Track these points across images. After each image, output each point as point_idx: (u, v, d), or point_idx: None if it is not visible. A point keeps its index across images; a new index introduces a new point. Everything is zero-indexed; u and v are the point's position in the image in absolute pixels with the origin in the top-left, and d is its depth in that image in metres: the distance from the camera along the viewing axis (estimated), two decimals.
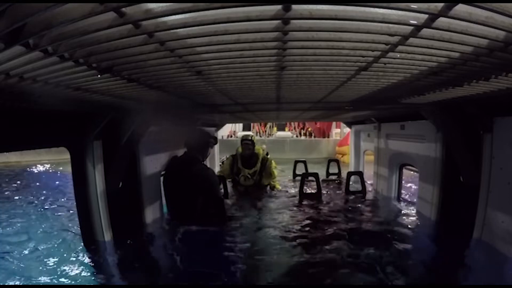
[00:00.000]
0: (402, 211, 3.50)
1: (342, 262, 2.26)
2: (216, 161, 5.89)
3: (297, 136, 13.12)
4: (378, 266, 2.13)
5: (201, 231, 2.85)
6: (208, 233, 2.84)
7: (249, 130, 13.82)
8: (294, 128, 14.68)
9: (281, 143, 11.19)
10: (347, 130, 10.50)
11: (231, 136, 12.90)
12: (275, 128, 14.39)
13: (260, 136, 13.31)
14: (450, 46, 0.92)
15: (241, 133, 12.63)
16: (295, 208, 3.69)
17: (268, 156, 4.40)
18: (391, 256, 2.31)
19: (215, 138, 3.73)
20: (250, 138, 4.18)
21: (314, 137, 12.86)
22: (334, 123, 13.14)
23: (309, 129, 13.84)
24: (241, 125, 14.14)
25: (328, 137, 12.44)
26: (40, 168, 8.24)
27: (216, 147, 5.95)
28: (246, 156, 4.12)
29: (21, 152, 9.10)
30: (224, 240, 2.71)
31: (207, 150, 3.40)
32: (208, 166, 3.56)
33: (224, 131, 12.57)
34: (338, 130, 12.56)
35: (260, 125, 15.02)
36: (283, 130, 13.97)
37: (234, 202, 3.94)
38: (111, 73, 1.14)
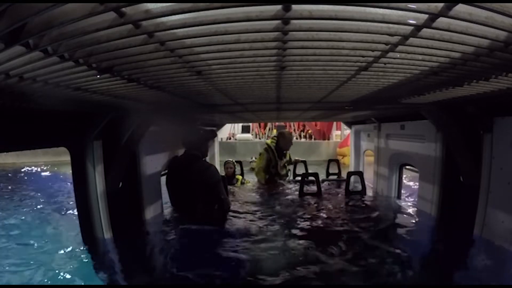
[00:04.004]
0: (402, 211, 3.50)
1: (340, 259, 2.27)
2: (217, 162, 5.87)
3: (297, 138, 13.05)
4: (377, 266, 2.13)
5: (201, 231, 2.85)
6: (207, 233, 2.84)
7: (248, 132, 13.77)
8: (294, 130, 14.61)
9: None
10: (347, 132, 10.47)
11: (230, 138, 12.87)
12: (274, 130, 14.29)
13: (260, 138, 13.26)
14: (450, 46, 0.92)
15: (239, 135, 12.60)
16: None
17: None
18: (391, 255, 2.31)
19: (213, 131, 3.75)
20: (231, 161, 5.37)
21: (314, 139, 12.79)
22: (334, 125, 13.08)
23: (309, 131, 13.78)
24: (240, 127, 14.05)
25: (328, 139, 12.38)
26: (38, 169, 8.23)
27: (216, 149, 5.96)
28: (230, 175, 5.18)
29: (17, 153, 9.10)
30: (223, 240, 2.70)
31: (206, 147, 3.39)
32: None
33: (223, 133, 12.55)
34: (339, 132, 12.51)
35: (260, 127, 14.96)
36: None
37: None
38: (111, 73, 1.13)
